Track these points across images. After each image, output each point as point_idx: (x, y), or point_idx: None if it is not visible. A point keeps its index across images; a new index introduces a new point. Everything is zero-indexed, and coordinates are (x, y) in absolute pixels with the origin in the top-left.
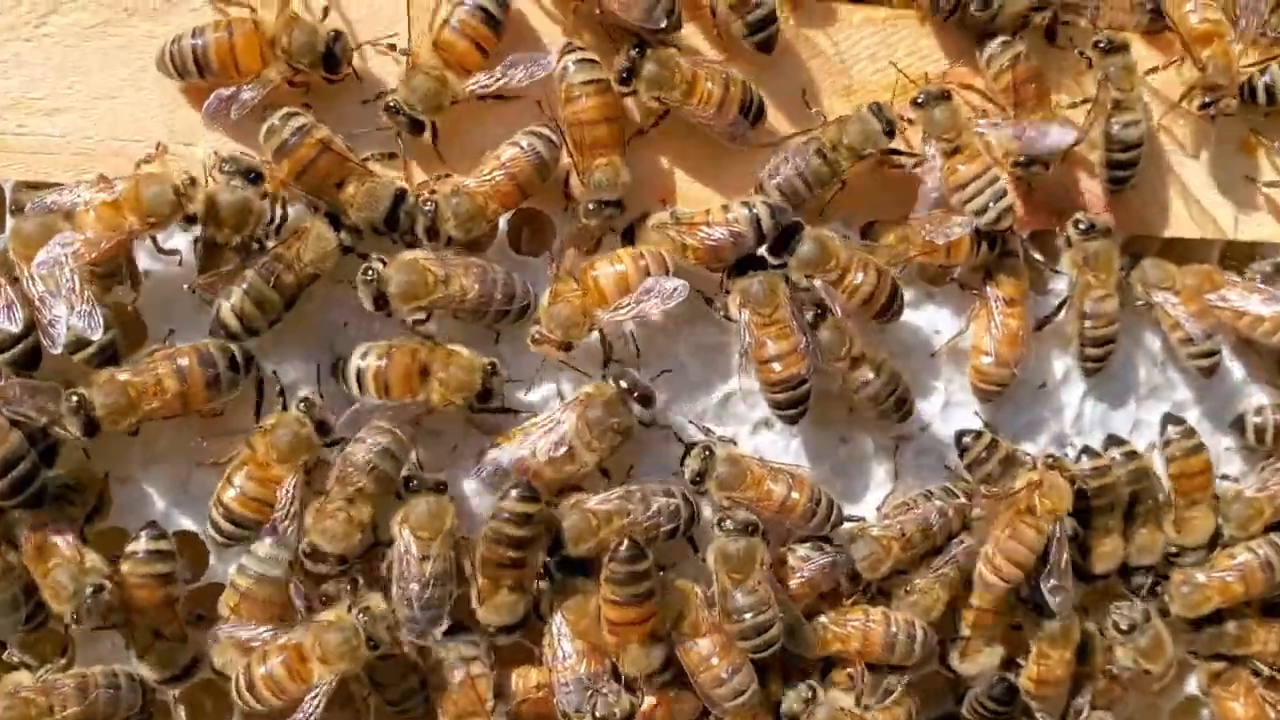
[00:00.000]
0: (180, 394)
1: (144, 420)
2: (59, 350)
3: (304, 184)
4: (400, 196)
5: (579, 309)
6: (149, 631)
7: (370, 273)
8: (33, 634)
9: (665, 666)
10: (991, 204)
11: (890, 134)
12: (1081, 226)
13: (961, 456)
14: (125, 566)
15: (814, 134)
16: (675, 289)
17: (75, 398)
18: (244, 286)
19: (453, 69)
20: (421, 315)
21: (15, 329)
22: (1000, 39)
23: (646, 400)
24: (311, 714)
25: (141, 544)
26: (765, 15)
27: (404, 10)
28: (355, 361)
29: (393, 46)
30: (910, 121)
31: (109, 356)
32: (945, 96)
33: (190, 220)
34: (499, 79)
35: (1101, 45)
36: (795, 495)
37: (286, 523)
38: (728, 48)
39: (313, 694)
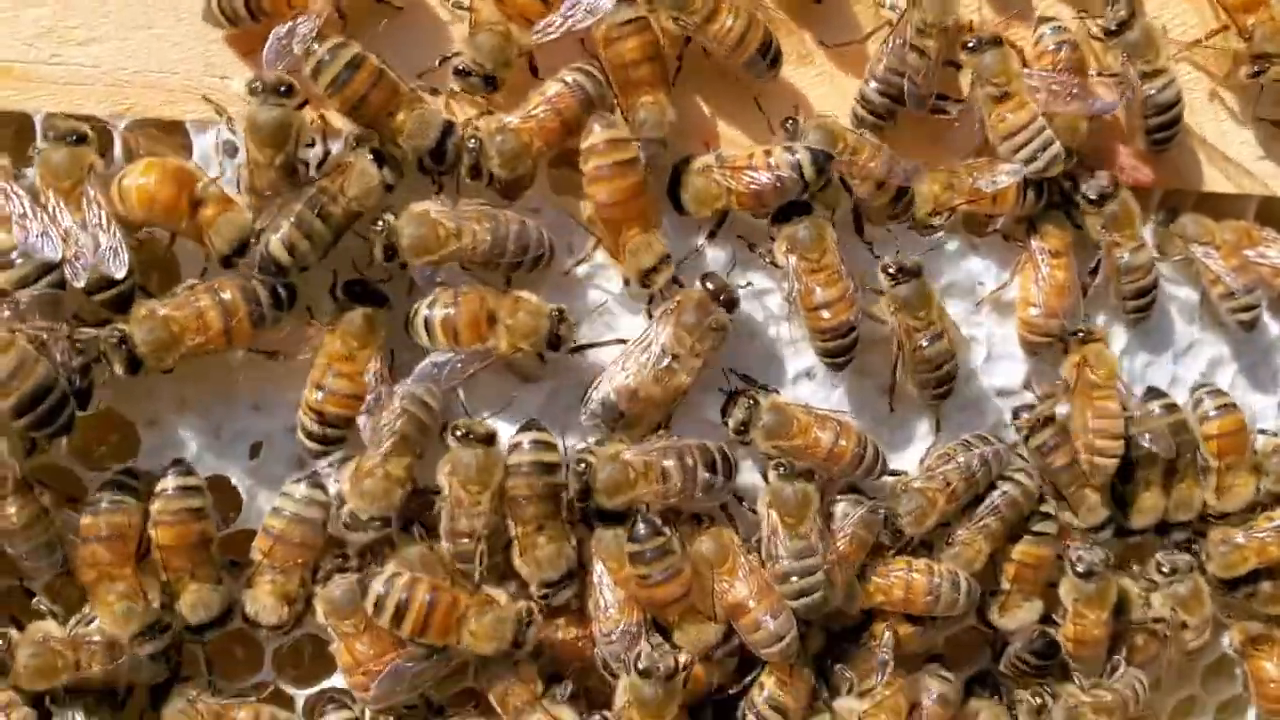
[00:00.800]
0: (224, 330)
1: (187, 356)
2: (81, 283)
3: (357, 117)
4: (449, 128)
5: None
6: (184, 574)
7: (381, 224)
8: (63, 577)
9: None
10: (1040, 152)
11: None
12: (1091, 198)
13: (1016, 430)
14: (155, 505)
15: (894, 29)
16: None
17: (117, 334)
18: (292, 219)
19: (515, 21)
20: (430, 269)
21: (56, 255)
22: (1055, 24)
23: (732, 304)
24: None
25: (170, 480)
26: None
27: None
28: (423, 311)
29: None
30: (959, 66)
31: (125, 301)
32: (996, 42)
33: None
34: (563, 24)
35: (1109, 29)
36: (843, 442)
37: (381, 405)
38: None
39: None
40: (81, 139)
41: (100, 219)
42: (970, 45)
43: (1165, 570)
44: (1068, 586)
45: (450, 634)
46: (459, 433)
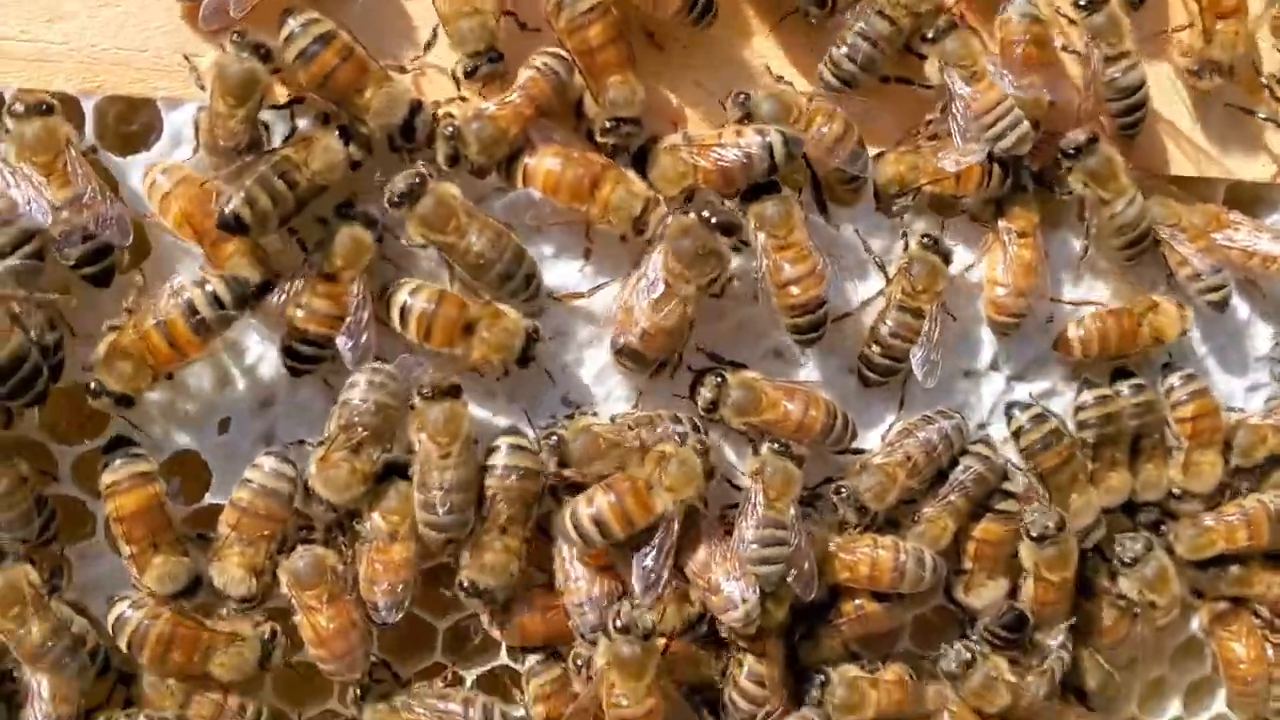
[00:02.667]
0: (171, 348)
1: (163, 374)
2: (72, 262)
3: (323, 93)
4: (417, 106)
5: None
6: (147, 544)
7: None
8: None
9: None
10: (1009, 131)
11: None
12: (1070, 152)
13: (1009, 425)
14: (105, 480)
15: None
16: None
17: (94, 384)
18: (255, 177)
19: None
20: (421, 244)
21: (46, 221)
22: (1024, 3)
23: (729, 228)
24: (668, 544)
25: (115, 454)
26: None
27: None
28: (403, 296)
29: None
30: (923, 57)
31: (109, 275)
32: (953, 25)
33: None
34: None
35: (1081, 4)
36: (813, 413)
37: (361, 327)
38: None
39: (664, 527)
40: (50, 110)
41: (95, 190)
42: (930, 36)
43: (1126, 561)
44: (1027, 551)
45: (653, 506)
46: (425, 392)
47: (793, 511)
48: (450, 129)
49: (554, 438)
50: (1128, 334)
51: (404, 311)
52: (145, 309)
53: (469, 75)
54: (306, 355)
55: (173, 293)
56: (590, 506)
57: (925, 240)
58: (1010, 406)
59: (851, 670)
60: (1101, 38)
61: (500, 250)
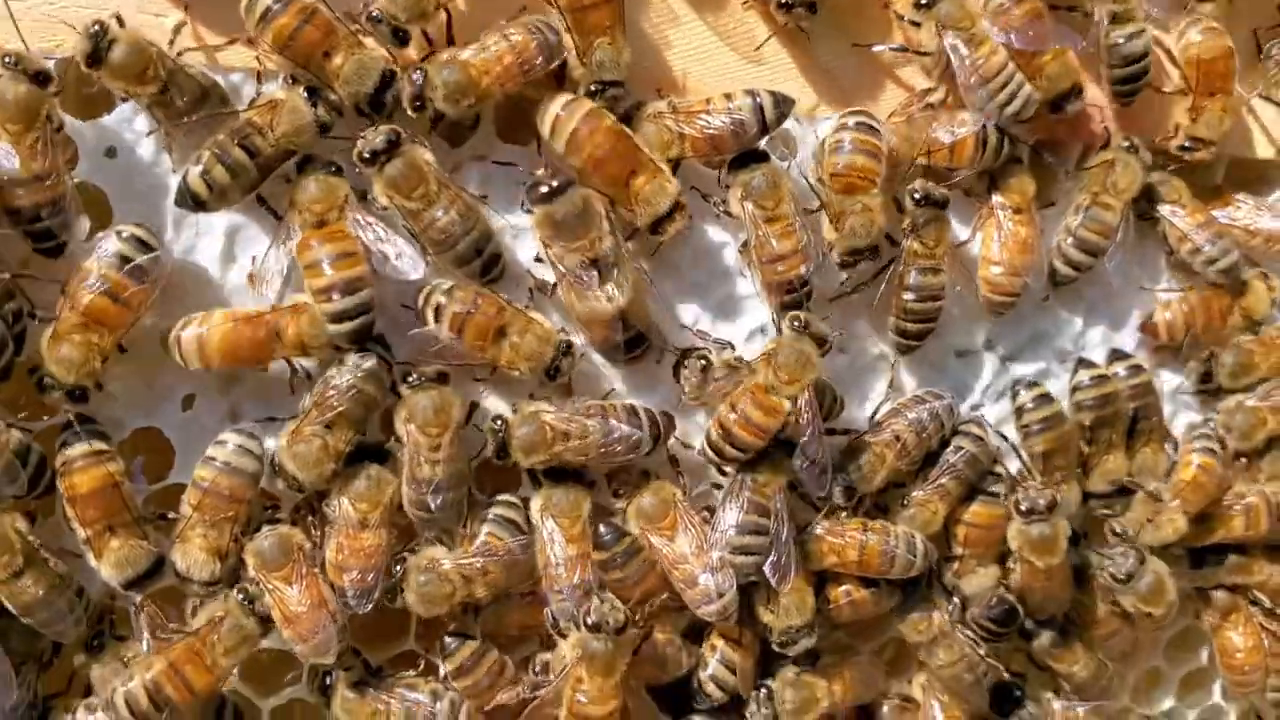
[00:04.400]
0: (117, 307)
1: (112, 347)
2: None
3: (289, 56)
4: (389, 78)
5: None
6: (102, 528)
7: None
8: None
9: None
10: (1015, 96)
11: None
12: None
13: (1012, 400)
14: (60, 461)
15: None
16: None
17: (45, 379)
18: (214, 150)
19: None
20: (384, 204)
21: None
22: None
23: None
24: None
25: (69, 431)
26: None
27: None
28: (438, 296)
29: None
30: (916, 24)
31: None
32: None
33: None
34: None
35: None
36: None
37: (392, 242)
38: None
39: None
40: (46, 79)
41: (59, 174)
42: (922, 1)
43: (1120, 578)
44: (1014, 531)
45: (778, 407)
46: (411, 379)
47: (779, 499)
48: (418, 74)
49: (499, 421)
50: (1217, 318)
51: (438, 312)
52: (76, 285)
53: (370, 18)
54: (348, 312)
55: (96, 255)
56: (720, 428)
57: (918, 196)
58: (1016, 383)
59: (790, 671)
60: None
61: (466, 227)
